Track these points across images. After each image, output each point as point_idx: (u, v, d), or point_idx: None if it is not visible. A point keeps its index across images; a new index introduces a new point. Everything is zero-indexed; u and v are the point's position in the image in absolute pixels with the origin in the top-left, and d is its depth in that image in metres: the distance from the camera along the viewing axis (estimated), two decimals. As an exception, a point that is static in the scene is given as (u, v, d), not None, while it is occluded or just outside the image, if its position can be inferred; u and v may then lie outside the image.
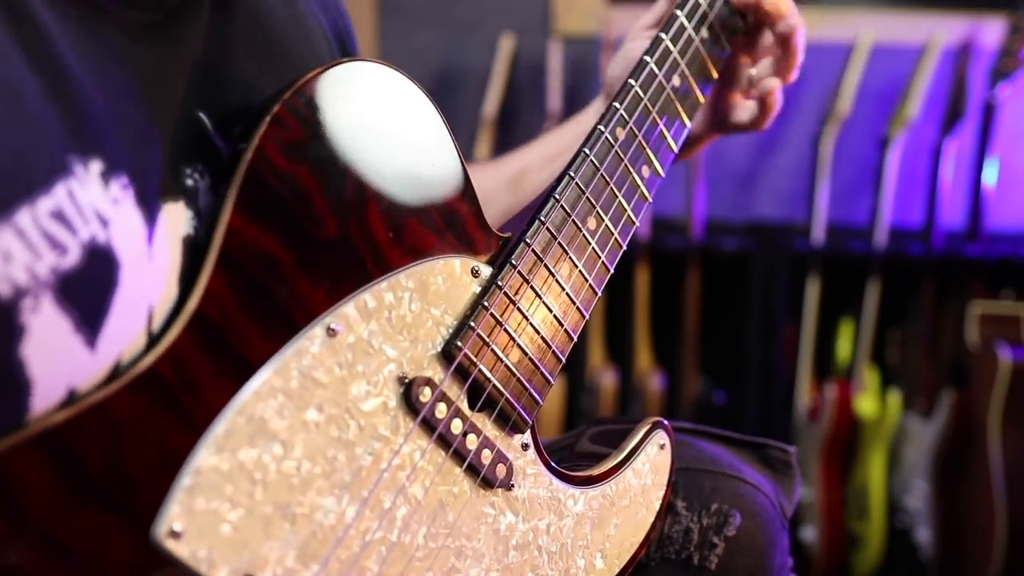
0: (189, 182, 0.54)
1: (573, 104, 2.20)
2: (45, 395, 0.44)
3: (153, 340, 0.50)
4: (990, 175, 2.12)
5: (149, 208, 0.50)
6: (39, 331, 0.44)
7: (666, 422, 0.72)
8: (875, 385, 2.24)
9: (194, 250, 0.53)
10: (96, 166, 0.47)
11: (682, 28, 0.77)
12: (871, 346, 2.24)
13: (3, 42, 0.44)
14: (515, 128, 2.34)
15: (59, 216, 0.45)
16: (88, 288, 0.46)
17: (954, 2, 2.24)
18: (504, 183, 0.88)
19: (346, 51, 0.74)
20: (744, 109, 0.89)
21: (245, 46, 0.60)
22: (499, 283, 0.61)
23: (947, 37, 2.20)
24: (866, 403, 2.21)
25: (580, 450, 0.78)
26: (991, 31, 2.17)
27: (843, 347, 2.29)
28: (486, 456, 0.59)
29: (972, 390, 2.08)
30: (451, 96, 2.38)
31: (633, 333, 2.30)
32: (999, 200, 2.20)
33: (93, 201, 0.46)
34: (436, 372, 0.57)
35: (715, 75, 0.81)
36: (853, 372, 2.25)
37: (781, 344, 2.29)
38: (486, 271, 0.61)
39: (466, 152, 2.36)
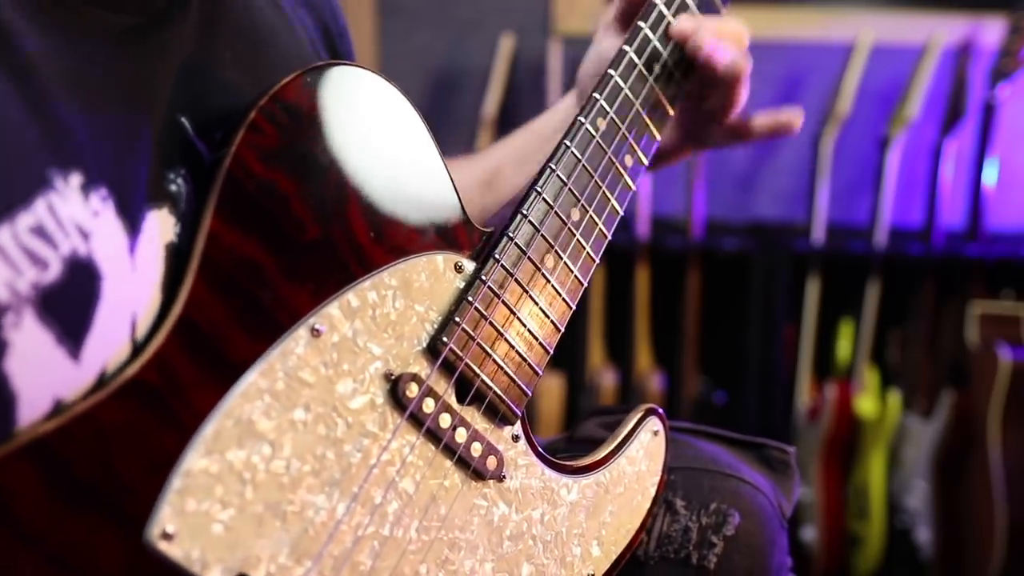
0: (173, 187, 0.53)
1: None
2: (31, 407, 0.44)
3: (137, 348, 0.50)
4: (990, 175, 2.12)
5: (132, 218, 0.50)
6: (21, 346, 0.44)
7: (660, 409, 0.72)
8: (875, 385, 2.23)
9: (177, 256, 0.52)
10: (76, 179, 0.47)
11: (661, 16, 0.76)
12: (871, 346, 2.24)
13: None
14: (515, 128, 2.34)
15: (40, 231, 0.45)
16: (70, 301, 0.46)
17: (954, 2, 2.24)
18: (477, 183, 0.88)
19: (336, 52, 0.74)
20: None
21: (231, 50, 0.60)
22: (483, 277, 0.61)
23: (947, 37, 2.20)
24: (866, 403, 2.20)
25: (578, 439, 0.78)
26: (991, 31, 2.17)
27: (843, 347, 2.29)
28: (476, 449, 0.59)
29: (972, 390, 2.08)
30: (451, 96, 2.38)
31: (633, 333, 2.30)
32: (999, 200, 2.20)
33: (74, 214, 0.46)
34: (422, 368, 0.57)
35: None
36: (853, 372, 2.25)
37: (781, 344, 2.29)
38: (469, 266, 0.61)
39: (466, 152, 2.35)
